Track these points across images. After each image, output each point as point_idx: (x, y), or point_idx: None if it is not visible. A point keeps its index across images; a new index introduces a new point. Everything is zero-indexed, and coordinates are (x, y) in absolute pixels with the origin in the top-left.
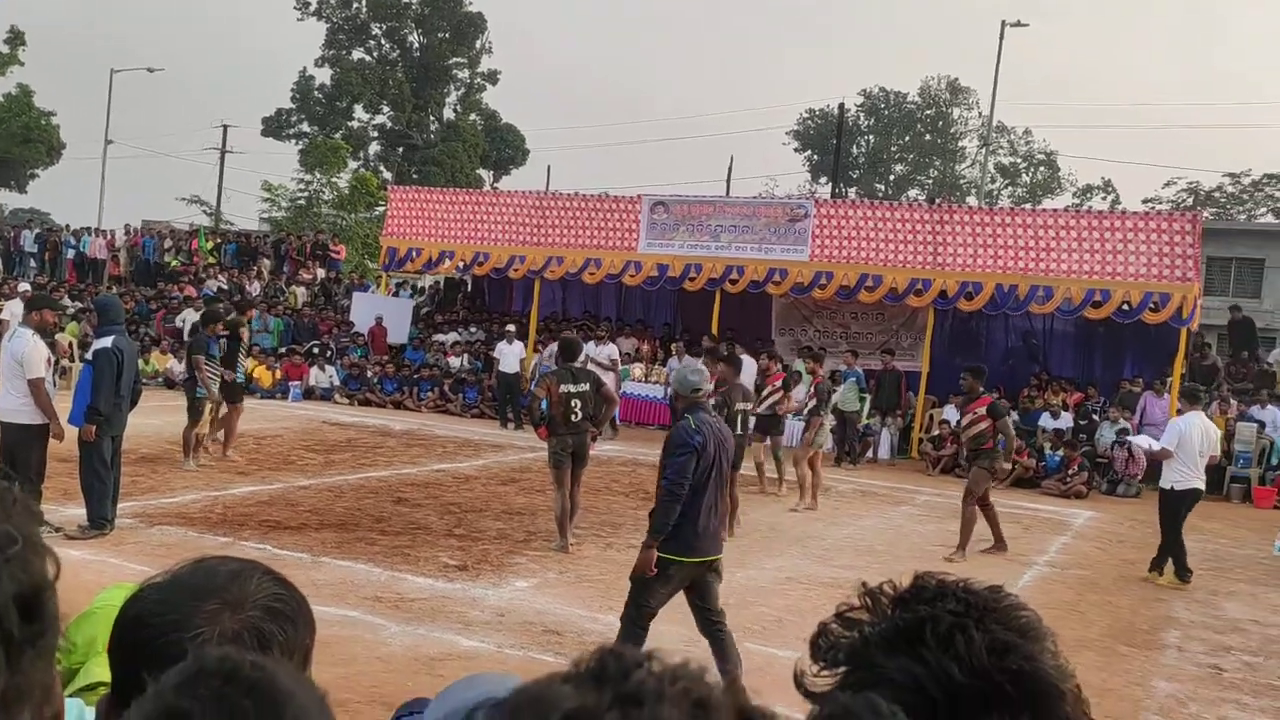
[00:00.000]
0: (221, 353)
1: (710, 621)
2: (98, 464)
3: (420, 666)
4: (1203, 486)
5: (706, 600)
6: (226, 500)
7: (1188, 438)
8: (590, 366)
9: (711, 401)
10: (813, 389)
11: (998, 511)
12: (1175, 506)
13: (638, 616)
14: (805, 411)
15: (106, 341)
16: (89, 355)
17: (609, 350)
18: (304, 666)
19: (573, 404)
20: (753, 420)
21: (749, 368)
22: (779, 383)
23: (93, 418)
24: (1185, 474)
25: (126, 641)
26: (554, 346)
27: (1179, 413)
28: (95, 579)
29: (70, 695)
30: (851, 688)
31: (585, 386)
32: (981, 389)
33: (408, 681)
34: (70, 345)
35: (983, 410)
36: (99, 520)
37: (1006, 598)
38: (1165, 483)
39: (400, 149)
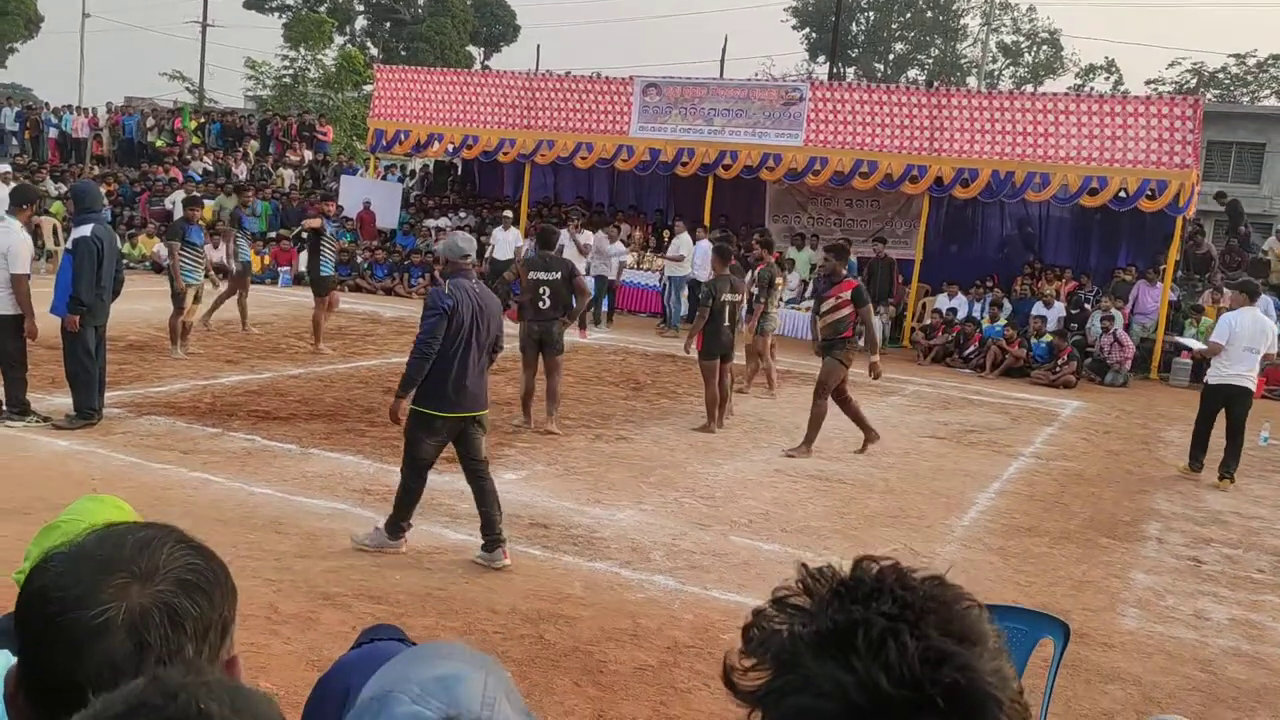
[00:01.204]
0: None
1: (472, 470)
2: (82, 354)
3: (408, 560)
4: (1247, 385)
5: (469, 450)
6: (215, 389)
7: (1237, 334)
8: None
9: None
10: (754, 275)
11: (857, 405)
12: (1208, 400)
13: (413, 465)
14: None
15: (85, 230)
16: (69, 245)
17: (584, 238)
18: (222, 639)
19: (541, 291)
20: (743, 311)
21: (703, 250)
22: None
23: (75, 308)
24: (1221, 369)
25: (30, 617)
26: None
27: (1230, 307)
28: (82, 469)
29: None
30: (778, 691)
31: (556, 275)
32: (845, 271)
33: (396, 575)
34: (55, 229)
35: (846, 295)
36: (86, 410)
37: (946, 591)
38: (1207, 377)
39: (387, 24)
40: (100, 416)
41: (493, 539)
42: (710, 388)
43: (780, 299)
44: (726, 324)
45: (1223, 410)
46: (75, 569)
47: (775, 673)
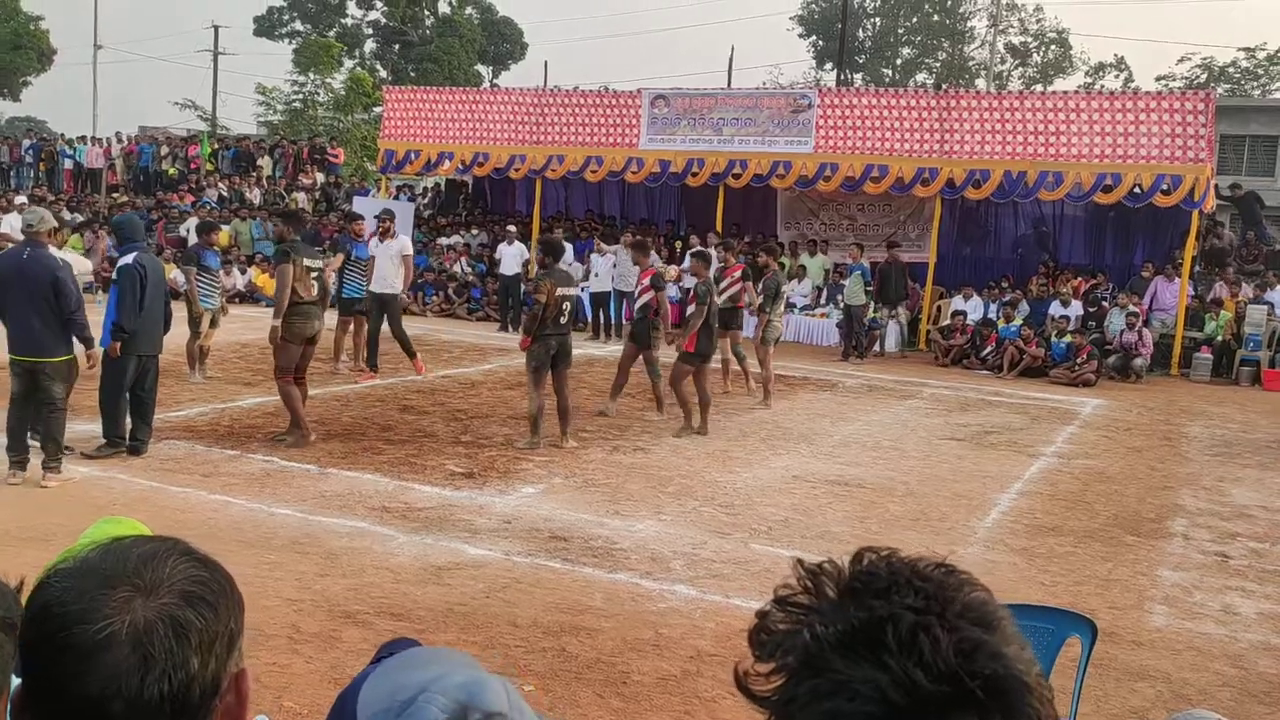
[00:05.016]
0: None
1: (40, 403)
2: (117, 383)
3: (429, 576)
4: None
5: (39, 392)
6: (233, 412)
7: None
8: (383, 264)
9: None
10: (761, 284)
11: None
12: None
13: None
14: (754, 308)
15: (128, 258)
16: (114, 275)
17: (400, 244)
18: (229, 652)
19: (564, 306)
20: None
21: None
22: (737, 274)
23: (117, 334)
24: None
25: (34, 635)
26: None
27: None
28: (103, 495)
29: None
30: (805, 696)
31: (575, 291)
32: (291, 238)
33: (417, 591)
34: None
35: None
36: (114, 439)
37: (957, 578)
38: None
39: (396, 46)
40: (145, 445)
41: (44, 460)
42: (681, 388)
43: (789, 306)
44: (716, 325)
45: None
46: (78, 584)
47: (799, 677)
